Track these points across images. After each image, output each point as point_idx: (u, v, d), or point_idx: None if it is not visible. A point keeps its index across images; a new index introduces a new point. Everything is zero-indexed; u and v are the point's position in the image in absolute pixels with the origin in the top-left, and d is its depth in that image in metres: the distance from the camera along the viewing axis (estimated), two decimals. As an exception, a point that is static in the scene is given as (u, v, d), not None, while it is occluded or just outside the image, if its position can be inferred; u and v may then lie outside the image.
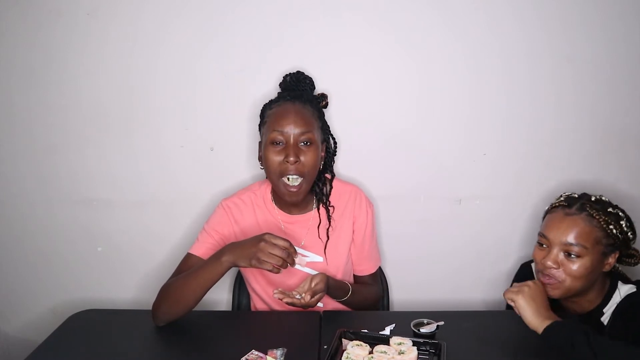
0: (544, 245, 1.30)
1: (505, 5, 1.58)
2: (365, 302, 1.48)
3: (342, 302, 1.41)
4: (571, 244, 1.25)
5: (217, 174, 1.69)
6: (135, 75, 1.61)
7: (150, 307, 1.30)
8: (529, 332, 1.21)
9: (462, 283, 1.80)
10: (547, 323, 1.17)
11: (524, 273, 1.52)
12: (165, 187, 1.71)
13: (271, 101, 1.42)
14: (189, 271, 1.28)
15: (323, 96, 1.47)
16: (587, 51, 1.61)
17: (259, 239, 1.19)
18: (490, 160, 1.70)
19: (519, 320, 1.24)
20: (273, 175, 1.36)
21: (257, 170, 1.67)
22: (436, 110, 1.66)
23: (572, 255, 1.25)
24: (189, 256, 1.38)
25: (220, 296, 1.76)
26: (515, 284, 1.30)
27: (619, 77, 1.63)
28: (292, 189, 1.34)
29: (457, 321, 1.26)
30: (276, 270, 1.17)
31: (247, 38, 1.59)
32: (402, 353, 1.10)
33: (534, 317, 1.20)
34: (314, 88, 1.50)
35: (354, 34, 1.59)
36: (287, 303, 1.26)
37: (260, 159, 1.40)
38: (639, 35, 1.60)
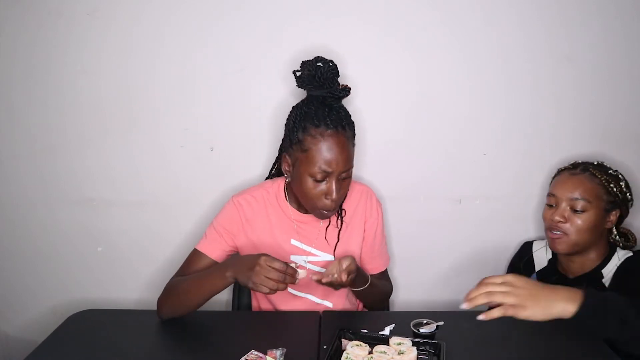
0: (553, 205, 1.43)
1: (506, 6, 1.58)
2: (380, 295, 1.49)
3: (358, 292, 1.38)
4: (576, 199, 1.38)
5: (217, 174, 1.69)
6: (135, 75, 1.61)
7: (150, 307, 1.31)
8: (528, 332, 1.21)
9: (462, 283, 1.77)
10: (575, 303, 0.98)
11: (523, 250, 1.62)
12: (165, 187, 1.71)
13: (309, 124, 1.25)
14: (195, 275, 1.29)
15: (346, 90, 1.32)
16: (587, 51, 1.61)
17: (255, 262, 1.15)
18: (490, 160, 1.70)
19: (517, 319, 1.23)
20: (307, 202, 1.32)
21: (257, 170, 1.67)
22: (436, 110, 1.66)
23: (578, 211, 1.38)
24: (195, 252, 1.38)
25: (220, 296, 1.72)
26: (488, 282, 1.08)
27: (619, 77, 1.63)
28: (326, 214, 1.33)
29: (456, 321, 1.26)
30: (272, 292, 1.15)
31: (247, 38, 1.59)
32: (402, 353, 1.10)
33: (549, 306, 0.99)
34: (338, 75, 1.32)
35: (354, 34, 1.59)
36: (325, 283, 1.22)
37: (286, 171, 1.34)
38: (639, 35, 1.60)
